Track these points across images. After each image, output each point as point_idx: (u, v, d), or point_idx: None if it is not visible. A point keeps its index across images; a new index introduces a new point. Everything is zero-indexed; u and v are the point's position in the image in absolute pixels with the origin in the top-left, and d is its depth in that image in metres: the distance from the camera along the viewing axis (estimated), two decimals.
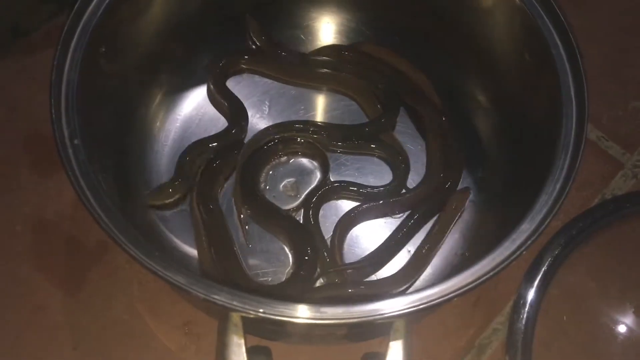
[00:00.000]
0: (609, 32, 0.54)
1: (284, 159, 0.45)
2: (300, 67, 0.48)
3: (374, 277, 0.41)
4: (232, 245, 0.42)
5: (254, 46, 0.48)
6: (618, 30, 0.54)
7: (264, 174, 0.45)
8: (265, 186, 0.44)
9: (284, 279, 0.41)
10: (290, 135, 0.45)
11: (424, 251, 0.41)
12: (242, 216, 0.43)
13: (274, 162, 0.45)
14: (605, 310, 0.44)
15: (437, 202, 0.43)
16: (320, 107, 0.48)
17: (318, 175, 0.45)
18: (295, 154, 0.45)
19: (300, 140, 0.45)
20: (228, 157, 0.44)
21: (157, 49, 0.44)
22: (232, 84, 0.48)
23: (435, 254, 0.41)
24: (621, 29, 0.54)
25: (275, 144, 0.45)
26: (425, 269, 0.41)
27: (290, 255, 0.42)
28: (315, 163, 0.45)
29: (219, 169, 0.44)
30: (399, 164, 0.45)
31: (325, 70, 0.48)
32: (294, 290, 0.39)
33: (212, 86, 0.47)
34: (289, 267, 0.41)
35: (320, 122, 0.47)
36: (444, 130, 0.44)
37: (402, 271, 0.41)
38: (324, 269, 0.41)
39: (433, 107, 0.46)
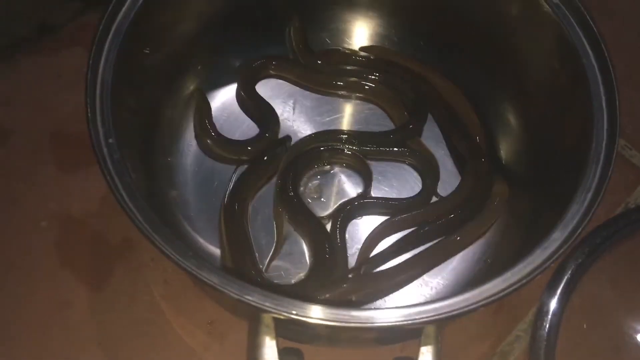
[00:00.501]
0: (631, 39, 0.54)
1: (327, 167, 0.46)
2: (327, 77, 0.48)
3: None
4: (249, 246, 0.42)
5: (289, 45, 0.48)
6: (638, 37, 0.54)
7: (305, 178, 0.45)
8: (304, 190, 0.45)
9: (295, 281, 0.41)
10: (333, 145, 0.45)
11: (457, 237, 0.41)
12: (278, 219, 0.43)
13: (316, 169, 0.45)
14: (628, 319, 0.44)
15: (463, 213, 0.43)
16: (346, 109, 0.48)
17: (341, 177, 0.46)
18: (340, 164, 0.46)
19: (347, 151, 0.45)
20: (276, 156, 0.45)
21: (186, 49, 0.44)
22: (258, 85, 0.48)
23: (464, 247, 0.42)
24: None
25: (321, 152, 0.45)
26: (444, 260, 0.42)
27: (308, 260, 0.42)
28: (355, 174, 0.45)
29: (266, 167, 0.44)
30: (429, 172, 0.45)
31: (352, 79, 0.48)
32: (307, 292, 0.39)
33: (241, 91, 0.47)
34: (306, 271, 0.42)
35: (347, 130, 0.47)
36: (473, 141, 0.45)
37: (425, 254, 0.41)
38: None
39: (459, 122, 0.46)
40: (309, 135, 0.46)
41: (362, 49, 0.49)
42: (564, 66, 0.39)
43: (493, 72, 0.45)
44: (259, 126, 0.47)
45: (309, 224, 0.42)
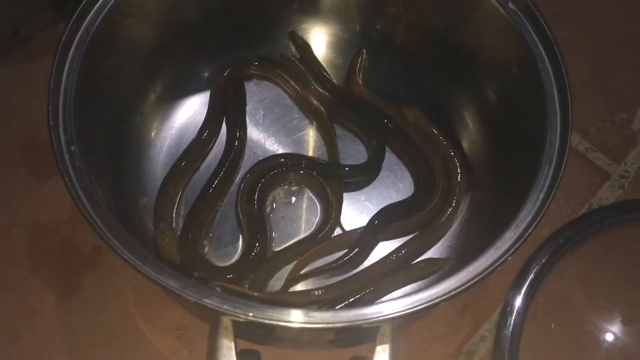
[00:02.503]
0: (596, 44, 0.55)
1: (294, 187, 0.46)
2: (302, 91, 0.48)
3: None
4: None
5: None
6: (605, 42, 0.55)
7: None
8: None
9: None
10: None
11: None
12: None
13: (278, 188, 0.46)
14: (592, 318, 0.45)
15: None
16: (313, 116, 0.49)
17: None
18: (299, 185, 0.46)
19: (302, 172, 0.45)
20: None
21: (154, 56, 0.44)
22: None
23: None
24: (608, 41, 0.55)
25: (284, 172, 0.45)
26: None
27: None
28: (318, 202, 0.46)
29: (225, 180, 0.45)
30: (330, 214, 0.44)
31: (318, 106, 0.48)
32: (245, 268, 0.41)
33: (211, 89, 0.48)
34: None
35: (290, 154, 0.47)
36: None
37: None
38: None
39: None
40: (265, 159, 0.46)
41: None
42: (521, 71, 0.40)
43: (453, 75, 0.46)
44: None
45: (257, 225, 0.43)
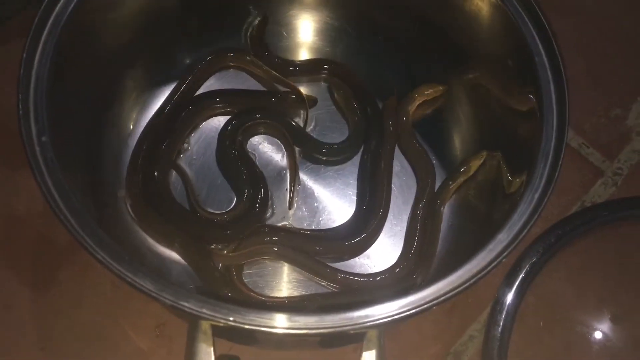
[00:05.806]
0: (593, 39, 0.53)
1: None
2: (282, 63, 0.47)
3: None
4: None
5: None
6: (601, 36, 0.54)
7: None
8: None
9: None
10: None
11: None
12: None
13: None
14: (582, 317, 0.44)
15: None
16: None
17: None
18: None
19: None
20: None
21: (132, 44, 0.42)
22: (215, 78, 0.47)
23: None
24: (604, 36, 0.54)
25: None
26: None
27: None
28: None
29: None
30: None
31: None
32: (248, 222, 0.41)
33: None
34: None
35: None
36: None
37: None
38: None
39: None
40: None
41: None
42: (517, 64, 0.38)
43: (447, 68, 0.45)
44: None
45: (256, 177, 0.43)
